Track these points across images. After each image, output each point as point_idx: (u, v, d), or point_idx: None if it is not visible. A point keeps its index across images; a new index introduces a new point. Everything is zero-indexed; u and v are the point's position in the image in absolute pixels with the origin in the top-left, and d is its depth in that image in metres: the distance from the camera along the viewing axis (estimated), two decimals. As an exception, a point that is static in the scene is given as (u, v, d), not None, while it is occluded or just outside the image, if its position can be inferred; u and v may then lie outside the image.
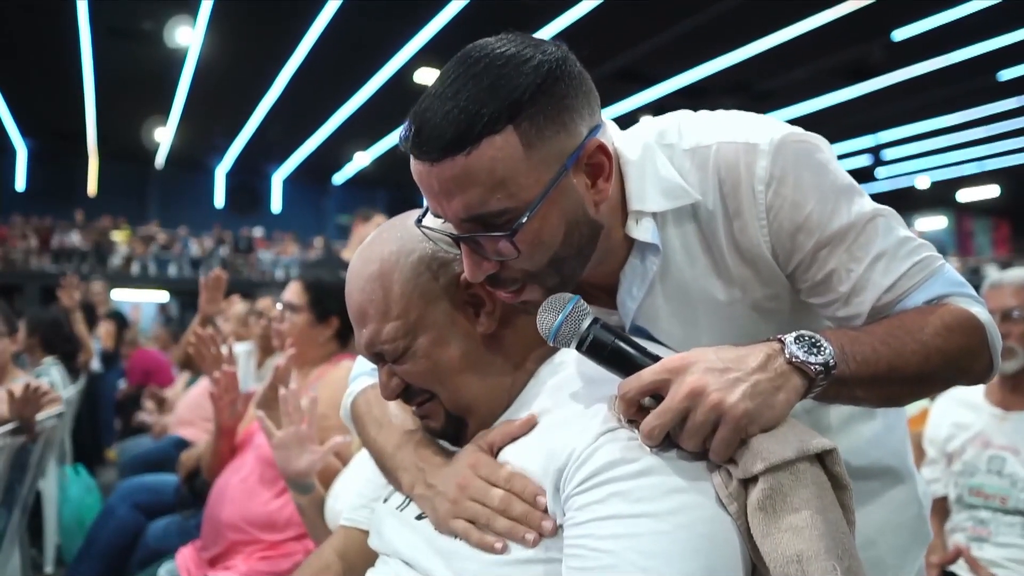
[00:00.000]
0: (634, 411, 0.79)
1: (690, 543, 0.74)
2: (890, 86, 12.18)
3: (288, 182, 22.07)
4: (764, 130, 0.91)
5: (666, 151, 0.94)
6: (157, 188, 20.21)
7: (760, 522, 0.75)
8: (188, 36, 12.07)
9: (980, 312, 0.91)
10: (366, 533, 1.12)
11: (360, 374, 1.23)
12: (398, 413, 1.10)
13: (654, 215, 0.93)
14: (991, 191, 19.63)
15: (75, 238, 15.52)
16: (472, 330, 0.96)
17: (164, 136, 17.55)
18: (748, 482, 0.77)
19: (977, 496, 1.99)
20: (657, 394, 0.78)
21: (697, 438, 0.76)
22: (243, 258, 17.89)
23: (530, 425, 0.90)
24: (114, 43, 12.31)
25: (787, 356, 0.78)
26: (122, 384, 6.84)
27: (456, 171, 0.80)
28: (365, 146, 18.33)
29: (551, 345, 0.87)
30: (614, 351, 0.82)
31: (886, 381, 0.85)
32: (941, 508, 2.09)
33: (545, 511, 0.82)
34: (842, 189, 0.92)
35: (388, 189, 21.06)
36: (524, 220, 0.82)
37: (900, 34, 10.87)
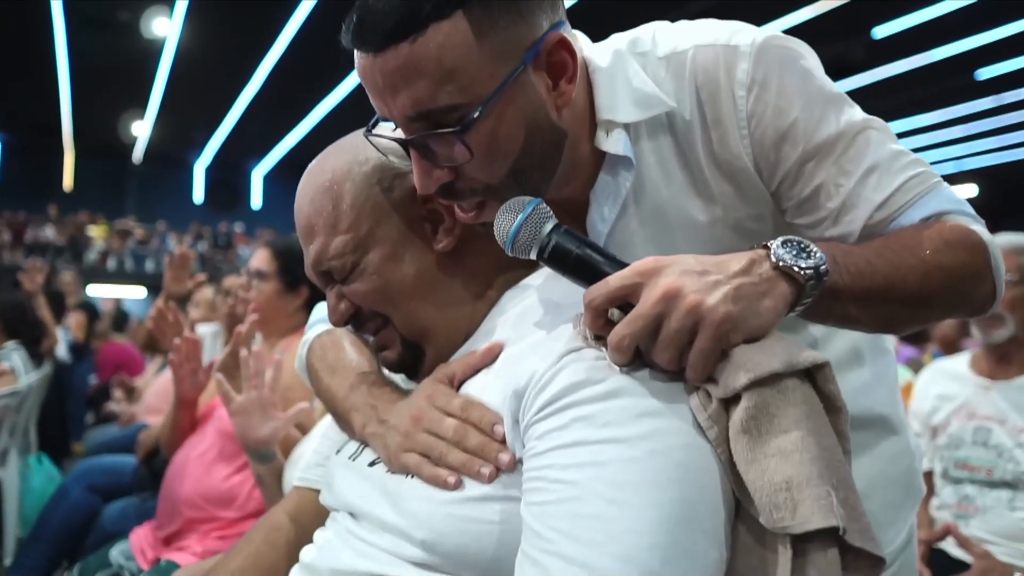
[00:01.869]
0: (601, 323, 0.70)
1: (663, 471, 0.65)
2: (869, 84, 12.22)
3: (268, 178, 21.83)
4: (745, 32, 0.84)
5: (639, 59, 0.87)
6: (135, 183, 19.89)
7: (744, 447, 0.66)
8: (165, 27, 11.89)
9: (982, 231, 0.83)
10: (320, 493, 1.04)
11: (316, 321, 1.15)
12: (353, 357, 1.02)
13: (626, 127, 0.86)
14: (969, 190, 19.74)
15: (49, 232, 15.24)
16: (428, 248, 0.88)
17: (142, 130, 17.30)
18: (730, 403, 0.68)
19: (963, 469, 1.93)
20: (627, 304, 0.69)
21: (672, 349, 0.66)
22: (222, 254, 17.69)
23: (493, 354, 0.82)
24: (90, 34, 12.09)
25: (773, 260, 0.70)
26: (93, 379, 6.69)
27: (401, 61, 0.73)
28: (346, 142, 18.19)
29: (509, 254, 0.78)
30: (579, 258, 0.73)
31: (882, 298, 0.77)
32: (927, 483, 2.03)
33: (503, 442, 0.73)
34: (830, 97, 0.84)
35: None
36: (476, 116, 0.74)
37: (881, 31, 10.92)
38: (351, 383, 0.96)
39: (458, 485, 0.74)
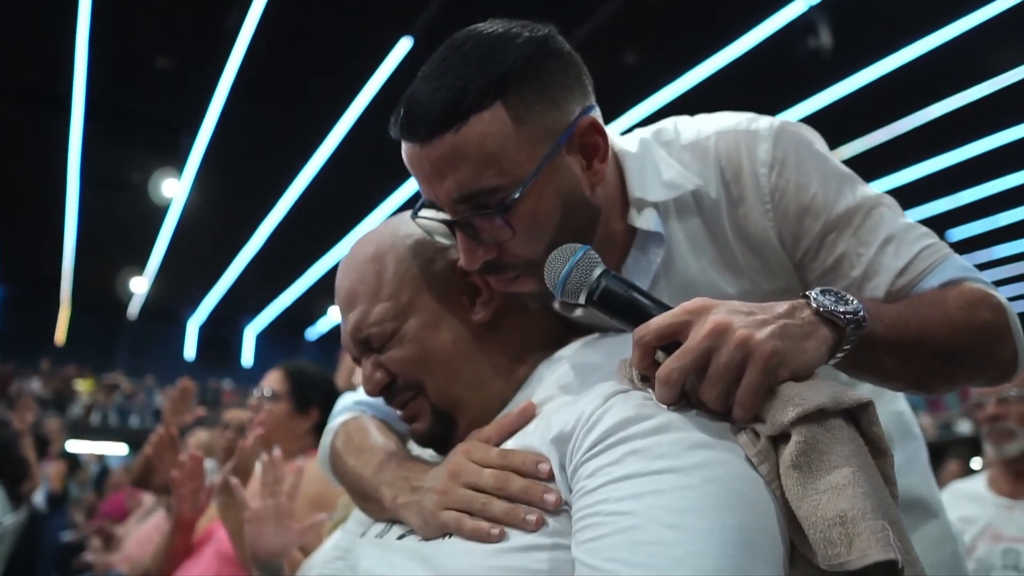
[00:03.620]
0: (648, 363, 0.72)
1: (721, 498, 0.64)
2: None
3: (261, 336, 21.94)
4: (762, 119, 0.93)
5: (664, 147, 0.95)
6: (127, 338, 19.92)
7: (795, 483, 0.65)
8: (174, 188, 12.41)
9: (999, 295, 0.88)
10: (339, 588, 1.00)
11: (341, 411, 1.14)
12: (380, 439, 1.01)
13: (656, 206, 0.92)
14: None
15: (35, 386, 15.02)
16: (466, 319, 0.91)
17: (140, 287, 17.55)
18: (778, 441, 0.69)
19: (996, 596, 1.85)
20: (674, 344, 0.71)
21: (721, 384, 0.67)
22: (210, 410, 17.35)
23: (528, 415, 0.83)
24: (100, 194, 12.59)
25: (814, 306, 0.73)
26: (67, 536, 6.38)
27: (446, 149, 0.79)
28: (341, 300, 18.46)
29: (559, 298, 0.81)
30: (627, 301, 0.76)
31: (916, 351, 0.80)
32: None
33: (550, 479, 0.72)
34: (844, 175, 0.91)
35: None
36: (517, 196, 0.79)
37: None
38: (380, 461, 0.95)
39: (502, 536, 0.72)
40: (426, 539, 0.80)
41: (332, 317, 19.71)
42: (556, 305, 0.95)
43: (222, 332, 21.27)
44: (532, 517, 0.72)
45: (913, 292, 0.88)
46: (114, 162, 11.64)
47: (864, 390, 0.86)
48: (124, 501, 6.45)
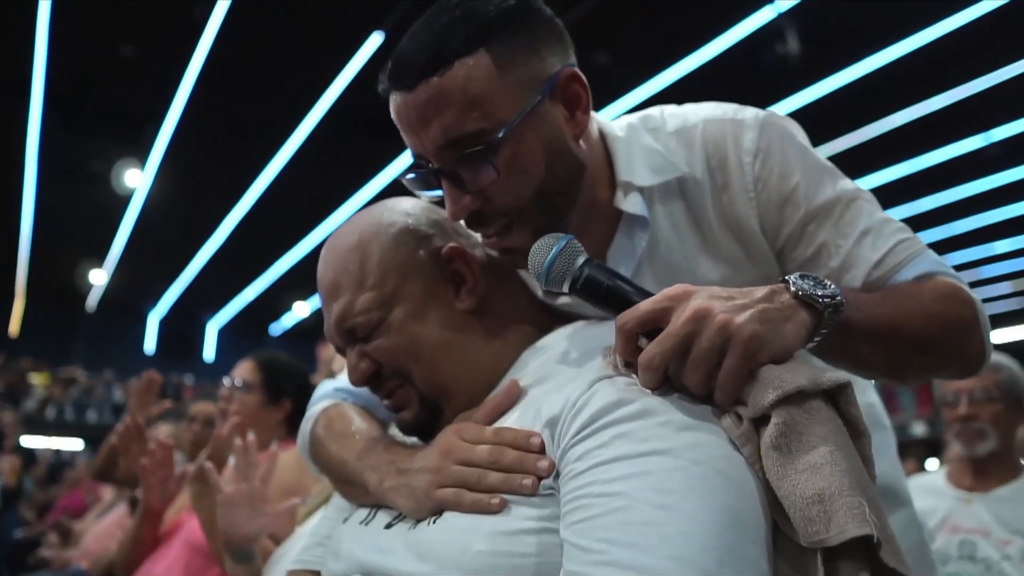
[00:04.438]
0: (631, 349, 0.74)
1: (708, 479, 0.66)
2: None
3: (223, 331, 21.61)
4: (747, 109, 0.95)
5: (651, 134, 0.97)
6: (85, 331, 19.45)
7: (775, 463, 0.68)
8: (136, 179, 12.16)
9: (969, 290, 0.92)
10: (318, 574, 1.00)
11: (320, 398, 1.14)
12: (363, 425, 1.01)
13: (641, 190, 0.94)
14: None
15: (-14, 380, 14.62)
16: (452, 306, 0.92)
17: (99, 279, 17.17)
18: (759, 424, 0.71)
19: (952, 586, 1.91)
20: (656, 330, 0.72)
21: (702, 369, 0.69)
22: (171, 405, 17.04)
23: (514, 395, 0.84)
24: (59, 183, 12.28)
25: (793, 290, 0.75)
26: (19, 533, 6.23)
27: (431, 93, 0.82)
28: (305, 296, 18.25)
29: (543, 287, 0.83)
30: (610, 288, 0.78)
31: (892, 339, 0.83)
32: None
33: (542, 451, 0.73)
34: (825, 167, 0.94)
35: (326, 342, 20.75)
36: (501, 136, 0.81)
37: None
38: (363, 446, 0.95)
39: (502, 506, 0.73)
40: (417, 521, 0.81)
41: (297, 313, 19.51)
42: (540, 293, 0.96)
43: (184, 326, 20.90)
44: (528, 481, 0.73)
45: (888, 284, 0.91)
46: (74, 151, 11.35)
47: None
48: (82, 496, 6.32)
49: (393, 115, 0.87)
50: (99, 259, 15.94)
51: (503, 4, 0.84)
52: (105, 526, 3.81)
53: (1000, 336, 17.00)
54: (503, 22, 0.83)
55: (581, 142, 0.90)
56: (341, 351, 0.96)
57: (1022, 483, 1.96)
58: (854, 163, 10.24)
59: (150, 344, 20.84)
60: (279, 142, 10.90)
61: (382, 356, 0.91)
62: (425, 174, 0.88)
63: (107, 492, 4.85)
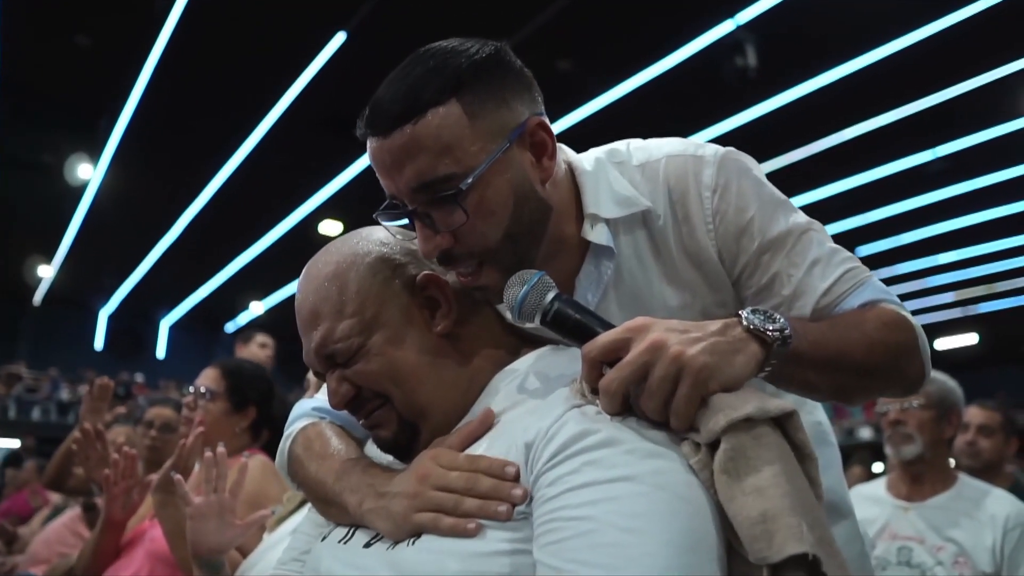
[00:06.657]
0: (596, 375, 0.79)
1: (669, 503, 0.72)
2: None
3: (176, 328, 21.17)
4: (707, 146, 1.02)
5: (617, 167, 1.03)
6: (31, 326, 18.88)
7: (724, 485, 0.73)
8: (88, 172, 11.87)
9: (910, 316, 0.99)
10: (296, 590, 1.02)
11: (298, 416, 1.17)
12: (341, 446, 1.04)
13: (607, 222, 1.00)
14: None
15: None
16: (428, 332, 0.96)
17: (46, 272, 16.69)
18: (713, 448, 0.77)
19: (890, 590, 2.02)
20: (618, 359, 0.78)
21: (658, 396, 0.75)
22: (120, 404, 16.63)
23: (488, 422, 0.89)
24: (7, 174, 11.92)
25: (745, 324, 0.81)
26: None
27: (405, 139, 0.87)
28: (261, 296, 18.00)
29: (516, 320, 0.88)
30: (577, 322, 0.84)
31: (836, 366, 0.90)
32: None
33: (516, 479, 0.78)
34: (778, 201, 1.01)
35: (283, 341, 20.43)
36: (470, 180, 0.87)
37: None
38: (341, 467, 0.98)
39: (478, 530, 0.77)
40: (395, 543, 0.84)
41: (252, 311, 19.23)
42: (511, 318, 1.01)
43: (135, 323, 20.42)
44: (503, 508, 0.77)
45: (836, 311, 0.98)
46: (24, 142, 11.04)
47: (788, 399, 0.96)
48: (27, 499, 6.15)
49: (369, 157, 0.92)
50: (48, 253, 15.50)
51: (474, 56, 0.89)
52: (55, 529, 3.71)
53: (944, 343, 17.59)
54: (474, 73, 0.88)
55: (547, 185, 0.95)
56: (320, 376, 0.99)
57: (954, 492, 2.11)
58: (807, 175, 10.54)
59: (99, 341, 20.33)
60: (238, 139, 10.76)
61: (362, 380, 0.94)
62: (398, 214, 0.93)
63: (53, 494, 4.74)
